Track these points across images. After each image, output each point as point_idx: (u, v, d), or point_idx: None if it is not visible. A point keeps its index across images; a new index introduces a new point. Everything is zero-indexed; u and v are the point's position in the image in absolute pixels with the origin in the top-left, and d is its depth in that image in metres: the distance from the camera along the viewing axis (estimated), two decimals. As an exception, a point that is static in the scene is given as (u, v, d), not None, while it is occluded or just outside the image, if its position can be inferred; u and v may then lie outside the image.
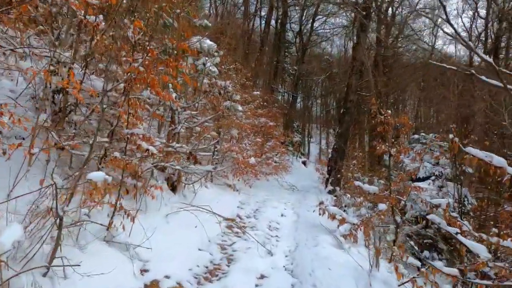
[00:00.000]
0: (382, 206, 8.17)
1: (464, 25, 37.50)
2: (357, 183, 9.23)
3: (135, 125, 4.82)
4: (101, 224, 4.56)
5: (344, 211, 10.75)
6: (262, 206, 10.43)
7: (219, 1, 29.13)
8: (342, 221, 8.51)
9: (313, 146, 47.62)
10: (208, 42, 11.10)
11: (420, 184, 10.76)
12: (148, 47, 5.70)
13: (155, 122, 9.07)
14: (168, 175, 7.70)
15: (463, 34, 31.54)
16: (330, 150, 43.66)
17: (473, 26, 30.47)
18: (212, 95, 10.30)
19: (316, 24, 34.90)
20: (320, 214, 8.80)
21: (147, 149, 4.76)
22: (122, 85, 5.40)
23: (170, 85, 7.48)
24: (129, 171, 4.84)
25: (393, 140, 8.29)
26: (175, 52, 7.28)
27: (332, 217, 8.61)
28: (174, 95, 7.35)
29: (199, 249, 5.90)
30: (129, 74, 5.19)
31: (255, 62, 19.98)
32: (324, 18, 34.34)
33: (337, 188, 12.04)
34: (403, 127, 8.07)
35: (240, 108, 11.07)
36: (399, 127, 8.11)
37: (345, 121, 14.53)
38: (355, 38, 16.45)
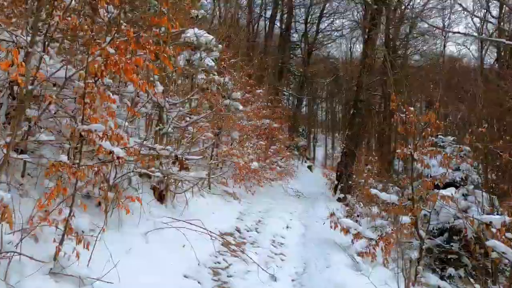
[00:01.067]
0: (405, 219, 6.92)
1: (475, 25, 36.02)
2: (373, 191, 7.99)
3: (95, 119, 3.64)
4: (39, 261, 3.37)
5: (357, 221, 9.49)
6: (265, 216, 9.20)
7: (222, 4, 28.08)
8: (357, 236, 7.28)
9: (318, 151, 46.43)
10: (206, 35, 9.95)
11: (443, 192, 9.46)
12: (123, 26, 4.55)
13: (144, 122, 7.93)
14: (154, 184, 6.52)
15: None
16: (336, 155, 42.46)
17: (484, 26, 29.17)
18: (210, 92, 9.13)
19: (322, 26, 33.88)
20: (331, 227, 7.56)
21: (111, 152, 3.58)
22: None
23: (157, 77, 6.32)
24: (82, 180, 3.65)
25: (416, 142, 7.04)
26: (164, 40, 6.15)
27: (346, 231, 7.37)
28: (160, 88, 6.19)
29: (185, 276, 4.69)
30: (95, 56, 4.03)
31: (259, 60, 18.78)
32: (331, 19, 33.23)
33: (349, 196, 10.81)
34: (428, 127, 6.83)
35: (240, 107, 9.89)
36: (424, 126, 6.87)
37: (355, 122, 13.31)
38: (365, 36, 15.27)
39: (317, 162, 41.20)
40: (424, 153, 7.06)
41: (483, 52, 28.79)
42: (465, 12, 26.05)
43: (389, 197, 7.75)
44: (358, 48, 40.04)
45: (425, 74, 23.96)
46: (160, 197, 6.55)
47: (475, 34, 26.32)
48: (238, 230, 7.49)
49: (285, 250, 6.89)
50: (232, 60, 10.46)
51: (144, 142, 5.49)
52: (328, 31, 34.42)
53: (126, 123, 4.98)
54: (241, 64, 11.80)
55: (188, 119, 7.34)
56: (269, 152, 13.43)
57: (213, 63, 9.64)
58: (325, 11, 32.18)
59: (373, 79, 15.28)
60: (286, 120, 20.14)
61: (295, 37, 35.13)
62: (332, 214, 7.80)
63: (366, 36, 13.37)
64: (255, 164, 10.80)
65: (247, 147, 11.04)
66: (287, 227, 8.64)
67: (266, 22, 29.65)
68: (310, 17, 32.92)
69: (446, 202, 7.57)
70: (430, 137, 7.07)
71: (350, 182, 12.41)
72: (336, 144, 45.23)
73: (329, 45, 38.18)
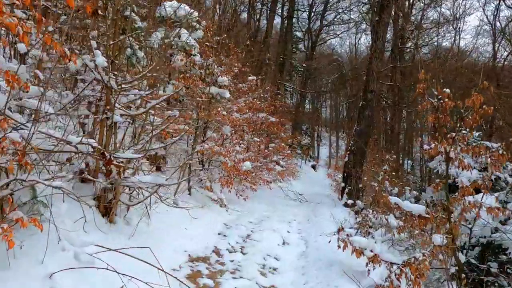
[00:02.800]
0: (437, 239, 5.04)
1: (487, 17, 33.75)
2: (393, 199, 6.07)
3: None
4: None
5: (369, 233, 7.59)
6: (256, 229, 7.34)
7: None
8: (375, 260, 5.38)
9: (323, 150, 44.53)
10: (186, 8, 8.12)
11: (479, 199, 7.53)
12: None
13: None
14: (99, 193, 4.67)
15: (485, 27, 28.15)
16: (340, 154, 40.42)
17: (497, 18, 26.97)
18: (189, 77, 7.28)
19: (325, 23, 31.95)
20: (339, 246, 5.67)
21: None
22: None
23: (95, 43, 4.47)
24: None
25: (453, 135, 5.13)
26: None
27: (359, 253, 5.49)
28: (101, 59, 4.33)
29: None
30: None
31: (259, 50, 16.88)
32: (335, 14, 31.27)
33: (359, 203, 8.92)
34: (472, 115, 4.92)
35: (228, 95, 8.02)
36: (465, 114, 4.95)
37: (364, 116, 11.39)
38: (376, 17, 13.22)
39: (321, 161, 39.33)
40: (465, 151, 5.15)
41: (496, 45, 26.66)
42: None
43: (414, 208, 5.85)
44: (363, 44, 38.11)
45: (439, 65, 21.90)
46: (106, 211, 4.70)
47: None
48: (217, 252, 5.62)
49: (278, 280, 5.02)
50: (217, 38, 8.57)
51: (68, 136, 3.62)
52: (333, 25, 32.58)
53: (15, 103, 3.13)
54: (230, 45, 9.91)
55: (149, 105, 5.45)
56: (266, 151, 11.55)
57: (194, 42, 7.80)
58: (328, 5, 30.30)
59: (385, 67, 13.31)
60: (286, 116, 18.18)
61: (298, 34, 33.41)
62: (341, 230, 5.91)
63: (376, 18, 11.45)
64: (247, 165, 8.94)
65: (238, 144, 9.17)
66: (283, 243, 6.77)
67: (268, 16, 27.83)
68: (313, 12, 31.09)
69: (493, 214, 5.66)
70: (472, 130, 5.18)
71: (359, 185, 10.50)
72: (341, 143, 43.36)
73: (333, 41, 36.31)
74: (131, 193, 5.03)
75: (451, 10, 27.52)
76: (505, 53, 26.73)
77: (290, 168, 21.17)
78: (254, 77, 10.56)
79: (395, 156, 9.82)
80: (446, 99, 5.11)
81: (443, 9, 23.91)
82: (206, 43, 8.36)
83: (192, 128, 7.45)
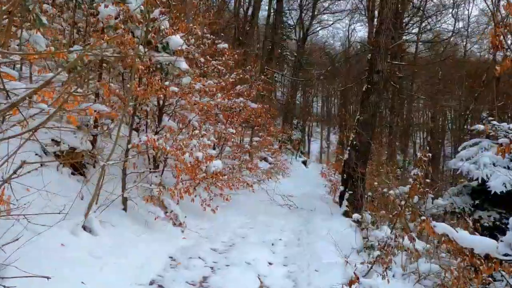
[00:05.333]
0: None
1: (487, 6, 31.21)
2: (440, 227, 3.52)
3: None
4: None
5: (386, 268, 5.02)
6: (222, 262, 4.73)
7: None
8: None
9: (314, 145, 42.16)
10: None
11: None
12: None
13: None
14: None
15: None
16: (332, 149, 37.93)
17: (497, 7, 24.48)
18: (122, 36, 4.62)
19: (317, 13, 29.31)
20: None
21: None
22: None
23: None
24: None
25: None
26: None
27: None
28: None
29: None
30: None
31: (244, 33, 14.24)
32: (328, 2, 28.60)
33: (368, 216, 6.36)
34: None
35: (184, 65, 5.36)
36: None
37: (370, 102, 8.82)
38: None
39: (312, 157, 36.90)
40: None
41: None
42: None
43: (480, 244, 3.31)
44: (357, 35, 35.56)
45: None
46: None
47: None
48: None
49: None
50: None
51: None
52: (325, 13, 29.94)
53: None
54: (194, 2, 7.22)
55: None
56: (247, 146, 8.89)
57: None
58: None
59: (394, 44, 10.69)
60: (274, 106, 15.54)
61: (290, 23, 30.80)
62: (354, 282, 3.35)
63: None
64: (216, 164, 6.32)
65: (205, 137, 6.53)
66: (260, 290, 4.19)
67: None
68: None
69: None
70: None
71: (364, 190, 7.92)
72: (332, 139, 40.98)
73: (325, 33, 33.79)
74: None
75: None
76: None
77: (279, 165, 18.64)
78: (226, 45, 7.85)
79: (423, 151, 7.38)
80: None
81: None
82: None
83: (121, 111, 4.80)
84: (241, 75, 8.77)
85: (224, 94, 7.45)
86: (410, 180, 4.48)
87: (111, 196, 4.94)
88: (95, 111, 4.16)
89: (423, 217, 3.85)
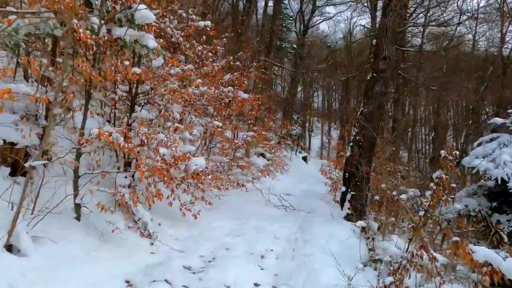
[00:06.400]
0: None
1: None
2: (482, 252, 2.53)
3: None
4: None
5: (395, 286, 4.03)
6: (197, 283, 3.76)
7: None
8: None
9: (314, 140, 41.14)
10: None
11: None
12: None
13: None
14: None
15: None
16: (333, 145, 36.80)
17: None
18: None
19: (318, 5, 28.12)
20: None
21: None
22: None
23: None
24: None
25: None
26: None
27: None
28: None
29: None
30: None
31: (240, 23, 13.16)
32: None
33: (374, 225, 5.34)
34: None
35: (153, 43, 4.34)
36: None
37: (375, 92, 7.78)
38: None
39: (312, 153, 35.86)
40: None
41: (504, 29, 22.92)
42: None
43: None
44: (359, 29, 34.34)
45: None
46: None
47: None
48: None
49: None
50: None
51: None
52: (327, 5, 28.73)
53: None
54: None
55: None
56: (237, 141, 7.85)
57: None
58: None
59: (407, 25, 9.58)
60: (272, 98, 14.48)
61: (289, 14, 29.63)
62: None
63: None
64: (199, 163, 5.33)
65: (186, 130, 5.54)
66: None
67: None
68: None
69: None
70: None
71: (368, 191, 6.90)
72: (333, 134, 39.90)
73: (326, 28, 32.68)
74: None
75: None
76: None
77: (278, 161, 17.64)
78: (208, 22, 6.72)
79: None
80: None
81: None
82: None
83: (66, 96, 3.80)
84: (231, 62, 7.73)
85: (208, 81, 6.43)
86: (432, 185, 3.46)
87: (67, 203, 3.98)
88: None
89: (455, 238, 2.84)
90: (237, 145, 8.02)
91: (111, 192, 4.42)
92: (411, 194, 5.51)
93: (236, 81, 7.61)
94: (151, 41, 4.30)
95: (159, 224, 5.11)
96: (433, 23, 15.52)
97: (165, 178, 4.47)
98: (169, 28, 6.43)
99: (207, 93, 6.62)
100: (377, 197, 5.85)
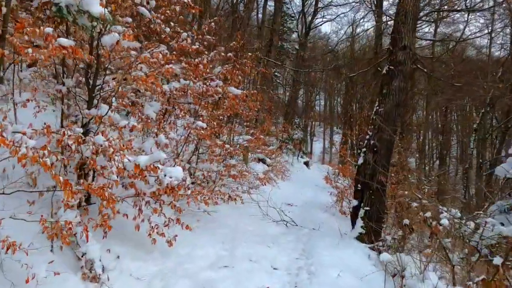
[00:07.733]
0: None
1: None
2: None
3: None
4: None
5: None
6: None
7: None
8: None
9: (316, 145, 39.92)
10: None
11: None
12: None
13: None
14: None
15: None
16: (335, 149, 35.34)
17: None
18: None
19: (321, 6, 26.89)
20: None
21: None
22: None
23: None
24: None
25: None
26: None
27: None
28: None
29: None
30: None
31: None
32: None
33: (402, 256, 4.02)
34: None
35: (97, 9, 3.05)
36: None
37: (392, 89, 6.47)
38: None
39: (314, 157, 34.59)
40: None
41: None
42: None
43: None
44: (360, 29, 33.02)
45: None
46: None
47: None
48: None
49: None
50: None
51: None
52: (329, 6, 27.45)
53: None
54: None
55: None
56: (228, 148, 6.51)
57: None
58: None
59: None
60: (271, 99, 13.17)
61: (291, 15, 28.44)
62: None
63: None
64: (174, 173, 4.04)
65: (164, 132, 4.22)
66: None
67: None
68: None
69: None
70: None
71: (385, 206, 5.51)
72: (335, 139, 38.54)
73: (328, 31, 31.55)
74: None
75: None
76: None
77: (278, 167, 16.30)
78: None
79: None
80: None
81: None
82: None
83: None
84: (222, 54, 6.42)
85: (191, 72, 5.13)
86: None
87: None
88: None
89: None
90: (228, 150, 6.67)
91: (38, 220, 3.08)
92: (447, 216, 4.17)
93: (228, 75, 6.28)
94: (96, 6, 3.00)
95: (118, 257, 3.78)
96: (444, 12, 14.05)
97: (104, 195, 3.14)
98: (143, 8, 5.14)
99: (190, 87, 5.30)
100: (406, 221, 4.53)
